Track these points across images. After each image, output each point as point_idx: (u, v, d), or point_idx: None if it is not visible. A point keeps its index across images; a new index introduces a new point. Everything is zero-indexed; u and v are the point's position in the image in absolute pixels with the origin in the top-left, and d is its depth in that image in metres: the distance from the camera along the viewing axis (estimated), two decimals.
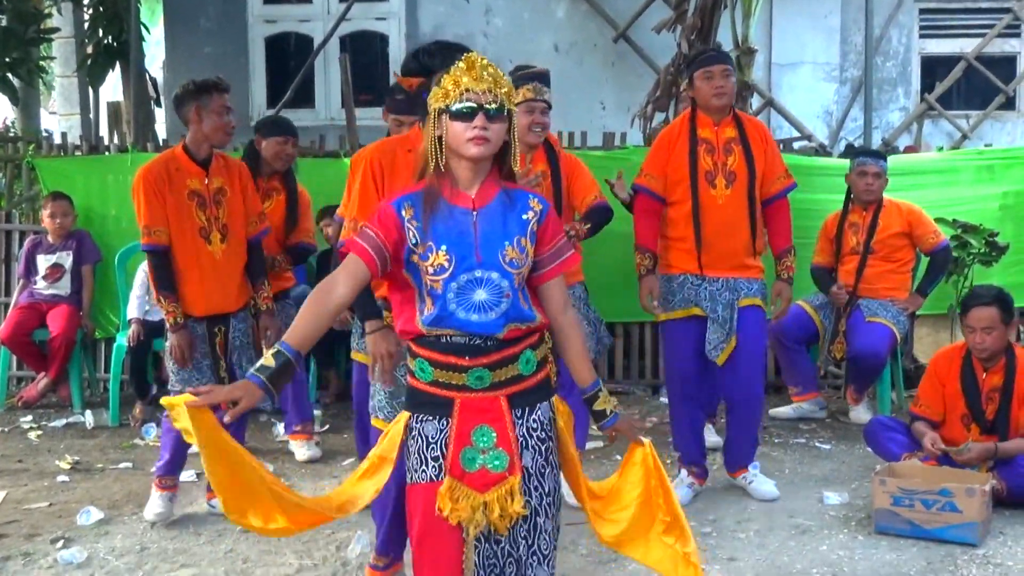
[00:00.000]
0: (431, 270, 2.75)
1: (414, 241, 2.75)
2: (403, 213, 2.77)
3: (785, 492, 5.09)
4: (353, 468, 4.98)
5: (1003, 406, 5.00)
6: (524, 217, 2.83)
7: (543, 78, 4.86)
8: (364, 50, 9.73)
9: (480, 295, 2.76)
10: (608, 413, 2.95)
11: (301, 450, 5.76)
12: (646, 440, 3.01)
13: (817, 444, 6.04)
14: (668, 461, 4.77)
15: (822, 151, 7.76)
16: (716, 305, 4.74)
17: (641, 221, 4.93)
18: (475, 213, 2.80)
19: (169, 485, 4.86)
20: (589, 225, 4.87)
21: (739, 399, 4.95)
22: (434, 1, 9.24)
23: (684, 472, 4.98)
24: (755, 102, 8.79)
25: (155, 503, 4.81)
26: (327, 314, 2.75)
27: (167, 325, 4.64)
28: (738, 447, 5.06)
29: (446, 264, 2.74)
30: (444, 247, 2.74)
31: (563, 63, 9.24)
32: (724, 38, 8.04)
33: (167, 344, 4.69)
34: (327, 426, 6.37)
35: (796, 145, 8.03)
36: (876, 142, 8.76)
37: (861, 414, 6.27)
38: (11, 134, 8.97)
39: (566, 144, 7.34)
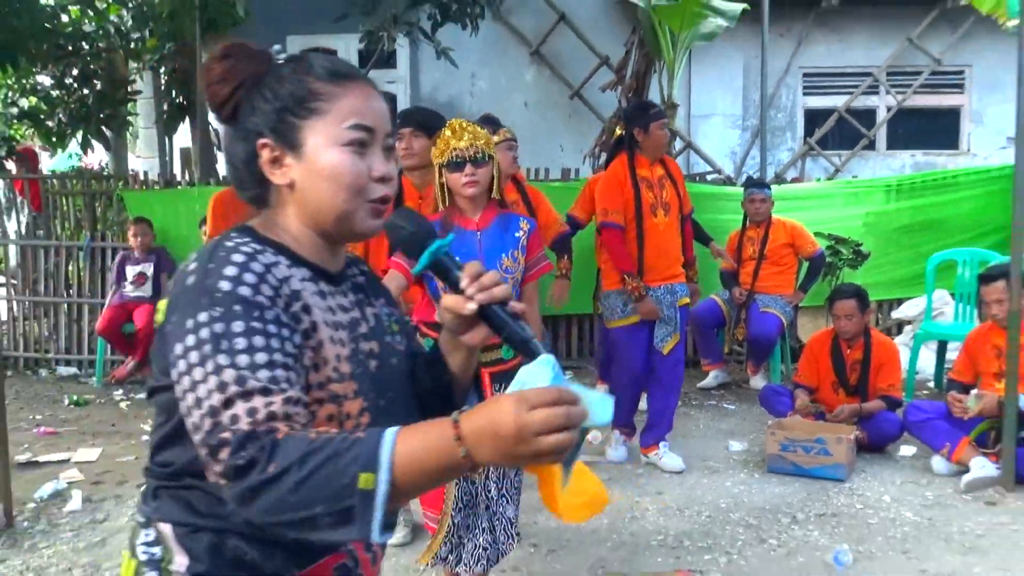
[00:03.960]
0: None
1: None
2: None
3: (699, 443, 5.15)
4: None
5: (863, 375, 5.09)
6: (516, 235, 3.02)
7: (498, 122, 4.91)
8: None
9: None
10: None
11: None
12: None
13: (724, 405, 6.11)
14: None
15: (729, 182, 7.81)
16: (662, 306, 4.64)
17: (618, 251, 4.65)
18: (479, 233, 2.95)
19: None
20: (566, 256, 5.05)
21: (667, 377, 4.77)
22: (432, 69, 9.24)
23: (616, 432, 4.88)
24: (678, 145, 8.86)
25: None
26: None
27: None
28: (656, 425, 4.82)
29: None
30: (458, 258, 2.83)
31: (531, 116, 9.29)
32: (653, 96, 8.11)
33: None
34: None
35: (709, 178, 8.07)
36: (770, 175, 8.79)
37: (758, 382, 6.32)
38: (105, 173, 8.95)
39: (532, 178, 7.38)
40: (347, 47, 9.62)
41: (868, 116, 9.68)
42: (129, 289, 6.89)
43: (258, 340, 1.11)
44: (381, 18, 7.45)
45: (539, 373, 1.14)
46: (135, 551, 1.26)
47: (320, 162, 1.24)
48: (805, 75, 9.64)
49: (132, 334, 6.82)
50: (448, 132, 2.92)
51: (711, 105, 9.54)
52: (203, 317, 1.12)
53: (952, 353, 5.85)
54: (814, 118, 9.70)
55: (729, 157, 9.44)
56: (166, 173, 8.94)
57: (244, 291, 1.14)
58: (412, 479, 1.04)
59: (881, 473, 4.67)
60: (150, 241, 6.95)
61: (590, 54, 9.22)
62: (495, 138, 4.79)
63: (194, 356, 1.10)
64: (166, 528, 1.23)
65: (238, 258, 1.18)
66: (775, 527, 3.98)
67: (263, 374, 1.10)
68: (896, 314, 7.23)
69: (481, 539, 2.95)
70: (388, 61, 9.46)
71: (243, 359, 1.10)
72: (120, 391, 6.80)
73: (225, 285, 1.14)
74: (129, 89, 8.94)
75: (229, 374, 1.08)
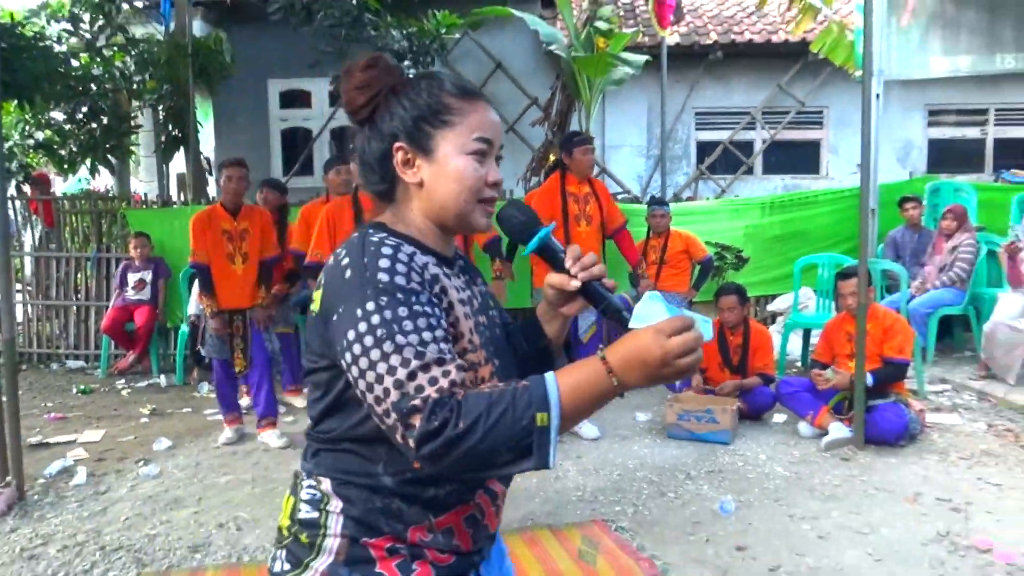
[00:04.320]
0: None
1: None
2: None
3: (612, 415, 5.13)
4: None
5: (743, 356, 5.14)
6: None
7: None
8: (346, 138, 9.59)
9: None
10: None
11: (299, 401, 5.60)
12: None
13: None
14: None
15: (636, 201, 7.86)
16: None
17: None
18: None
19: (232, 419, 4.81)
20: (497, 259, 4.97)
21: None
22: None
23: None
24: (595, 170, 8.88)
25: (225, 434, 4.79)
26: None
27: (208, 313, 4.63)
28: None
29: None
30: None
31: None
32: (574, 129, 8.11)
33: (208, 325, 4.69)
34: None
35: (620, 197, 8.11)
36: (669, 195, 8.89)
37: None
38: (110, 195, 8.66)
39: None
40: (319, 89, 9.46)
41: (747, 147, 9.81)
42: (130, 293, 6.67)
43: (421, 321, 1.11)
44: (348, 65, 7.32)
45: (654, 307, 1.14)
46: (298, 493, 1.26)
47: (449, 166, 1.23)
48: (697, 114, 9.74)
49: (133, 332, 6.60)
50: None
51: (621, 138, 9.57)
52: (371, 306, 1.11)
53: (814, 338, 5.95)
54: (704, 149, 9.79)
55: (636, 180, 9.48)
56: (163, 194, 8.74)
57: (400, 280, 1.13)
58: (575, 410, 1.07)
59: (758, 436, 4.72)
60: (149, 252, 6.75)
61: (522, 96, 9.19)
62: None
63: (369, 340, 1.09)
64: (326, 481, 1.23)
65: (387, 251, 1.16)
66: (673, 482, 3.99)
67: (433, 348, 1.09)
68: (770, 307, 7.33)
69: None
70: None
71: (414, 338, 1.09)
72: (122, 381, 6.57)
73: (384, 276, 1.13)
74: (131, 123, 8.67)
75: (408, 351, 1.08)
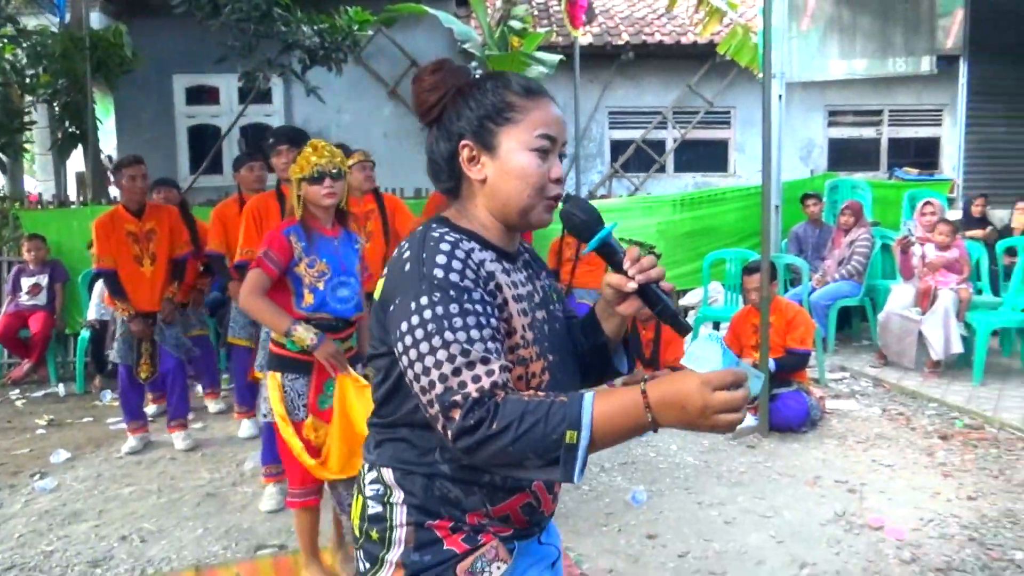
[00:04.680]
0: (315, 275, 2.76)
1: (299, 256, 2.75)
2: (290, 238, 2.77)
3: None
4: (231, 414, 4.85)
5: (655, 349, 5.26)
6: (356, 247, 2.92)
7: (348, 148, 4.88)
8: (256, 135, 9.34)
9: (343, 292, 2.81)
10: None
11: (213, 405, 5.49)
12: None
13: None
14: None
15: None
16: None
17: None
18: (336, 239, 2.85)
19: (136, 427, 4.63)
20: None
21: None
22: (303, 104, 8.93)
23: None
24: None
25: (129, 443, 4.60)
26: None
27: (122, 318, 4.47)
28: None
29: (326, 271, 2.77)
30: (324, 259, 2.78)
31: (390, 144, 9.13)
32: None
33: (121, 329, 4.51)
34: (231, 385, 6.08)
35: None
36: (584, 193, 9.03)
37: None
38: (2, 195, 8.20)
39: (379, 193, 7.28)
40: (228, 85, 9.19)
41: (659, 146, 10.04)
42: (24, 299, 6.31)
43: (471, 319, 1.14)
44: (257, 61, 7.11)
45: (710, 351, 1.12)
46: (363, 490, 1.31)
47: (512, 163, 1.25)
48: (611, 113, 9.91)
49: (27, 339, 6.25)
50: (309, 149, 2.81)
51: None
52: (424, 301, 1.15)
53: (723, 331, 6.14)
54: (618, 147, 9.98)
55: None
56: (61, 194, 8.33)
57: (454, 277, 1.16)
58: (605, 436, 1.08)
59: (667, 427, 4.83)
60: (44, 255, 6.40)
61: None
62: (350, 160, 4.74)
63: (420, 333, 1.13)
64: (387, 471, 1.27)
65: (445, 247, 1.19)
66: (587, 476, 4.04)
67: (479, 347, 1.12)
68: (682, 302, 7.52)
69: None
70: (265, 97, 9.10)
71: (462, 335, 1.12)
72: (16, 391, 6.21)
73: (439, 273, 1.16)
74: (24, 119, 8.22)
75: (455, 348, 1.12)
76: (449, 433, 1.10)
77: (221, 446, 4.66)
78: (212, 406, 5.45)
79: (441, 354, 1.12)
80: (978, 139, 8.27)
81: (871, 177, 9.44)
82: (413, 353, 1.14)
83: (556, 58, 7.76)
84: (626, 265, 1.28)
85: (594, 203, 6.49)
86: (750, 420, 4.60)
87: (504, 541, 1.27)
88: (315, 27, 7.34)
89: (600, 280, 5.22)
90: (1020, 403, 5.11)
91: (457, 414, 1.09)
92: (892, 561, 3.11)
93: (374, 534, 1.27)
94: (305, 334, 2.67)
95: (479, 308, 1.16)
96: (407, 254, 1.21)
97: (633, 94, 9.85)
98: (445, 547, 1.24)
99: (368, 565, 1.29)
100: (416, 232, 1.26)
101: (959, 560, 3.10)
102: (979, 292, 6.36)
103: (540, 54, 7.81)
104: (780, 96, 6.87)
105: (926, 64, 7.97)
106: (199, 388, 5.73)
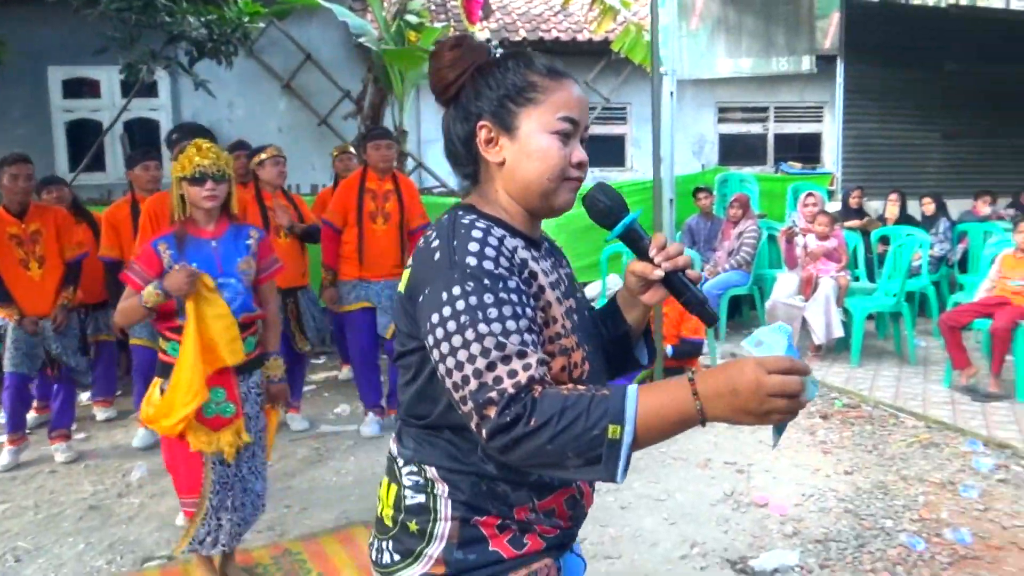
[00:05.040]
0: None
1: (168, 266, 2.64)
2: (159, 249, 2.67)
3: None
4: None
5: None
6: (247, 242, 2.84)
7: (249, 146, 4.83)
8: (142, 131, 8.93)
9: (224, 295, 2.70)
10: (279, 376, 2.89)
11: (101, 413, 5.21)
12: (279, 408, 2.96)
13: None
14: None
15: (454, 194, 7.93)
16: (381, 298, 4.60)
17: (327, 246, 4.68)
18: (213, 241, 2.76)
19: (16, 439, 4.38)
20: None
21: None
22: (192, 97, 8.58)
23: (371, 415, 4.70)
24: (411, 164, 8.87)
25: (3, 456, 4.32)
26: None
27: (12, 325, 4.23)
28: (393, 393, 4.85)
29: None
30: (195, 265, 2.65)
31: (284, 139, 8.87)
32: (387, 123, 8.05)
33: (12, 336, 4.24)
34: (120, 392, 5.78)
35: (436, 191, 8.17)
36: None
37: None
38: None
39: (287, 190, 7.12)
40: (110, 78, 8.74)
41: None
42: None
43: (507, 309, 1.07)
44: (139, 53, 6.78)
45: (777, 339, 1.06)
46: (399, 479, 1.23)
47: (532, 145, 1.19)
48: None
49: None
50: (193, 150, 2.69)
51: (437, 132, 9.26)
52: (457, 290, 1.08)
53: None
54: None
55: (453, 174, 9.56)
56: None
57: (488, 265, 1.10)
58: (651, 430, 1.02)
59: None
60: None
61: (334, 88, 9.00)
62: (263, 155, 4.64)
63: (452, 325, 1.07)
64: (430, 469, 1.20)
65: (477, 234, 1.13)
66: None
67: (515, 339, 1.06)
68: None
69: (235, 516, 2.81)
70: (150, 91, 8.71)
71: (497, 327, 1.06)
72: None
73: (472, 261, 1.10)
74: None
75: (489, 341, 1.05)
76: (484, 432, 1.04)
77: (106, 457, 4.44)
78: (100, 414, 5.19)
79: (475, 347, 1.05)
80: (854, 135, 8.76)
81: (759, 171, 9.86)
82: (445, 347, 1.07)
83: None
84: (652, 252, 1.24)
85: None
86: None
87: (548, 551, 1.22)
88: (202, 18, 7.07)
89: None
90: (892, 382, 5.46)
91: (492, 411, 1.03)
92: (776, 535, 3.27)
93: (413, 525, 1.20)
94: (151, 290, 2.59)
95: (514, 298, 1.09)
96: (436, 242, 1.15)
97: None
98: (491, 548, 1.18)
99: (398, 557, 1.21)
100: (442, 219, 1.20)
101: (836, 531, 3.29)
102: (856, 279, 6.76)
103: None
104: (672, 93, 7.08)
105: (806, 63, 8.39)
106: (83, 396, 5.44)
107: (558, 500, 1.23)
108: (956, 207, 8.12)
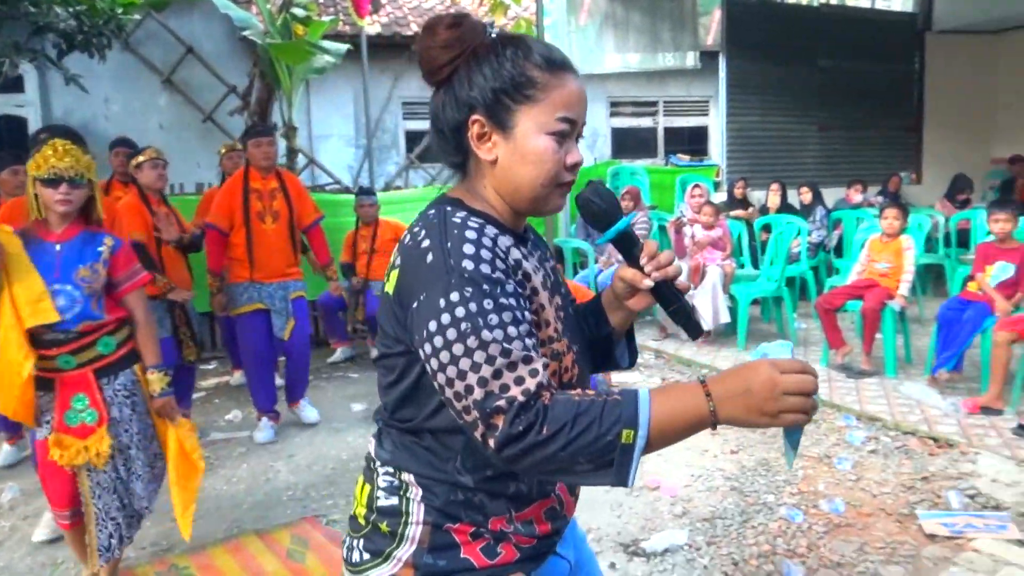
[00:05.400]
0: None
1: None
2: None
3: (328, 408, 5.08)
4: None
5: None
6: (99, 249, 2.68)
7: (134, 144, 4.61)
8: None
9: (60, 301, 2.54)
10: (159, 391, 2.76)
11: None
12: (179, 419, 2.85)
13: (350, 375, 6.05)
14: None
15: (348, 191, 7.79)
16: (275, 300, 4.50)
17: (212, 250, 4.50)
18: (58, 245, 2.61)
19: None
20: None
21: (297, 357, 4.68)
22: (63, 93, 8.08)
23: (264, 420, 4.57)
24: (302, 161, 8.67)
25: None
26: None
27: None
28: (295, 387, 4.80)
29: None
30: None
31: (167, 137, 8.52)
32: (276, 119, 7.84)
33: None
34: None
35: (329, 188, 8.01)
36: (381, 184, 8.96)
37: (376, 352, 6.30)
38: None
39: (169, 192, 6.81)
40: None
41: None
42: None
43: (507, 315, 1.04)
44: (1, 45, 6.35)
45: (782, 351, 1.05)
46: (374, 480, 1.21)
47: (527, 146, 1.13)
48: (404, 103, 9.88)
49: None
50: (49, 150, 2.54)
51: (329, 127, 9.43)
52: (455, 296, 1.03)
53: None
54: (414, 138, 9.97)
55: (347, 170, 9.41)
56: None
57: (485, 269, 1.05)
58: (664, 434, 1.01)
59: None
60: None
61: (219, 83, 8.67)
62: (141, 157, 4.40)
63: (452, 333, 1.02)
64: (406, 474, 1.18)
65: (471, 235, 1.07)
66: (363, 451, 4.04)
67: (518, 345, 1.02)
68: None
69: (119, 519, 2.70)
70: (15, 86, 8.15)
71: (499, 333, 1.02)
72: None
73: (469, 264, 1.05)
74: None
75: (494, 348, 1.01)
76: (492, 442, 1.01)
77: None
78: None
79: (479, 356, 1.01)
80: (737, 128, 9.13)
81: (649, 163, 10.15)
82: (445, 356, 1.03)
83: (343, 47, 7.62)
84: (643, 261, 1.22)
85: (389, 194, 6.47)
86: None
87: (521, 563, 1.19)
88: (71, 8, 6.68)
89: None
90: None
91: (501, 420, 1.00)
92: (667, 516, 3.39)
93: (384, 526, 1.18)
94: None
95: (513, 302, 1.06)
96: (426, 242, 1.09)
97: (425, 84, 9.84)
98: (462, 555, 1.16)
99: (368, 556, 1.19)
100: (430, 215, 1.14)
101: (722, 509, 3.44)
102: (741, 266, 7.05)
103: (326, 43, 7.64)
104: None
105: (691, 59, 8.69)
106: None
107: (537, 511, 1.21)
108: (831, 195, 8.60)
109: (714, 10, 9.99)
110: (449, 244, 1.07)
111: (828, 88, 9.50)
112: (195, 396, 5.40)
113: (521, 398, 1.00)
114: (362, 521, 1.23)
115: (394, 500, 1.18)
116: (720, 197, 8.37)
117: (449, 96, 1.17)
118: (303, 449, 4.39)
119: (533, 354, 1.04)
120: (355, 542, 1.23)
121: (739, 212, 7.92)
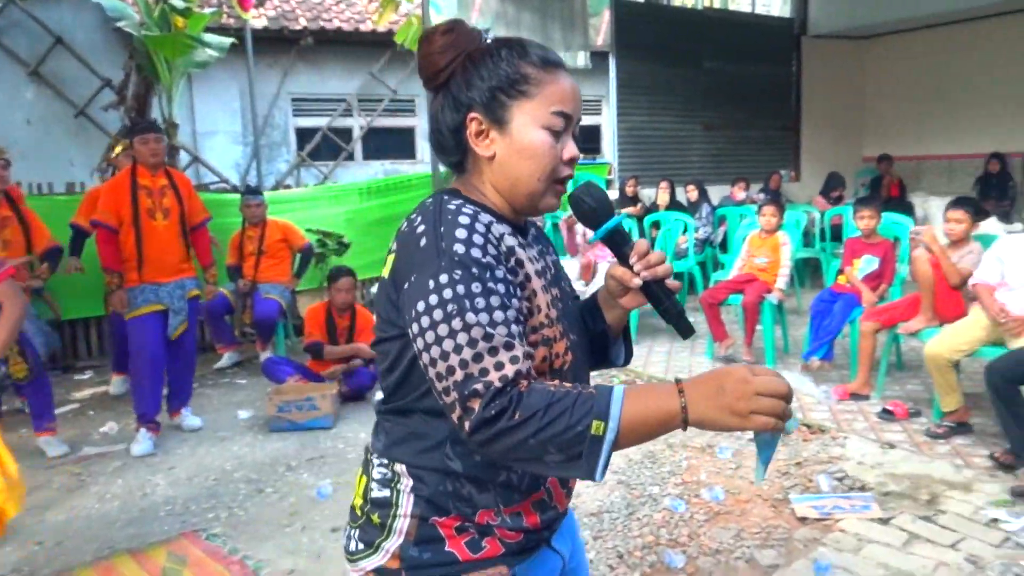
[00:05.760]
0: None
1: None
2: None
3: (212, 416, 4.89)
4: None
5: (349, 338, 5.24)
6: None
7: None
8: None
9: None
10: None
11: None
12: None
13: (237, 381, 5.84)
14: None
15: (236, 191, 7.53)
16: (173, 299, 4.34)
17: (104, 249, 4.30)
18: None
19: None
20: (47, 264, 4.55)
21: (182, 361, 4.52)
22: None
23: (144, 431, 4.33)
24: (186, 159, 8.31)
25: None
26: None
27: None
28: (179, 393, 4.65)
29: None
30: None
31: (35, 133, 8.00)
32: (156, 115, 7.48)
33: None
34: None
35: (213, 187, 7.71)
36: (271, 183, 8.71)
37: (265, 356, 5.97)
38: None
39: (36, 192, 6.40)
40: None
41: (347, 134, 9.99)
42: None
43: (494, 299, 1.05)
44: None
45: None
46: (370, 472, 1.23)
47: (524, 140, 1.15)
48: (294, 100, 9.63)
49: None
50: None
51: (214, 124, 9.08)
52: (444, 278, 1.05)
53: None
54: (304, 135, 9.75)
55: (235, 169, 9.09)
56: None
57: (476, 253, 1.07)
58: (634, 429, 1.01)
59: (360, 416, 4.86)
60: None
61: (92, 76, 8.20)
62: None
63: (438, 314, 1.04)
64: (398, 465, 1.19)
65: (464, 220, 1.09)
66: (272, 477, 3.93)
67: (502, 330, 1.04)
68: (373, 289, 7.57)
69: None
70: None
71: (484, 317, 1.03)
72: None
73: (460, 248, 1.06)
74: None
75: (477, 331, 1.02)
76: (467, 424, 1.02)
77: None
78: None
79: (461, 337, 1.02)
80: (627, 127, 9.35)
81: None
82: (430, 335, 1.04)
83: (227, 41, 7.36)
84: (632, 260, 1.24)
85: (277, 194, 6.30)
86: None
87: (505, 558, 1.19)
88: None
89: (286, 274, 5.18)
90: (664, 357, 5.92)
91: (477, 404, 1.01)
92: None
93: (375, 518, 1.20)
94: None
95: (501, 288, 1.07)
96: (421, 227, 1.11)
97: (316, 80, 9.65)
98: (447, 548, 1.17)
99: (362, 547, 1.21)
100: (426, 202, 1.16)
101: (609, 503, 3.51)
102: None
103: (208, 36, 7.35)
104: None
105: (581, 59, 8.81)
106: None
107: (525, 505, 1.21)
108: (717, 193, 8.93)
109: (603, 11, 10.18)
110: (442, 228, 1.10)
111: (712, 89, 9.85)
112: (67, 408, 5.11)
113: (498, 383, 1.02)
114: (358, 512, 1.26)
115: (386, 492, 1.20)
116: (612, 195, 8.55)
117: (448, 99, 1.20)
118: (184, 461, 4.21)
119: (516, 341, 1.05)
120: (352, 532, 1.26)
121: (630, 209, 8.11)
